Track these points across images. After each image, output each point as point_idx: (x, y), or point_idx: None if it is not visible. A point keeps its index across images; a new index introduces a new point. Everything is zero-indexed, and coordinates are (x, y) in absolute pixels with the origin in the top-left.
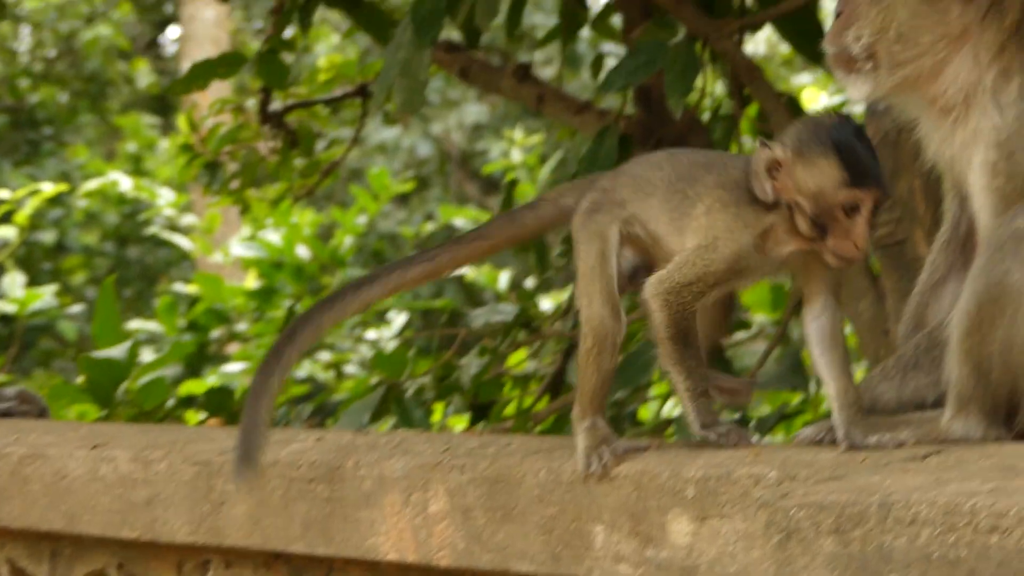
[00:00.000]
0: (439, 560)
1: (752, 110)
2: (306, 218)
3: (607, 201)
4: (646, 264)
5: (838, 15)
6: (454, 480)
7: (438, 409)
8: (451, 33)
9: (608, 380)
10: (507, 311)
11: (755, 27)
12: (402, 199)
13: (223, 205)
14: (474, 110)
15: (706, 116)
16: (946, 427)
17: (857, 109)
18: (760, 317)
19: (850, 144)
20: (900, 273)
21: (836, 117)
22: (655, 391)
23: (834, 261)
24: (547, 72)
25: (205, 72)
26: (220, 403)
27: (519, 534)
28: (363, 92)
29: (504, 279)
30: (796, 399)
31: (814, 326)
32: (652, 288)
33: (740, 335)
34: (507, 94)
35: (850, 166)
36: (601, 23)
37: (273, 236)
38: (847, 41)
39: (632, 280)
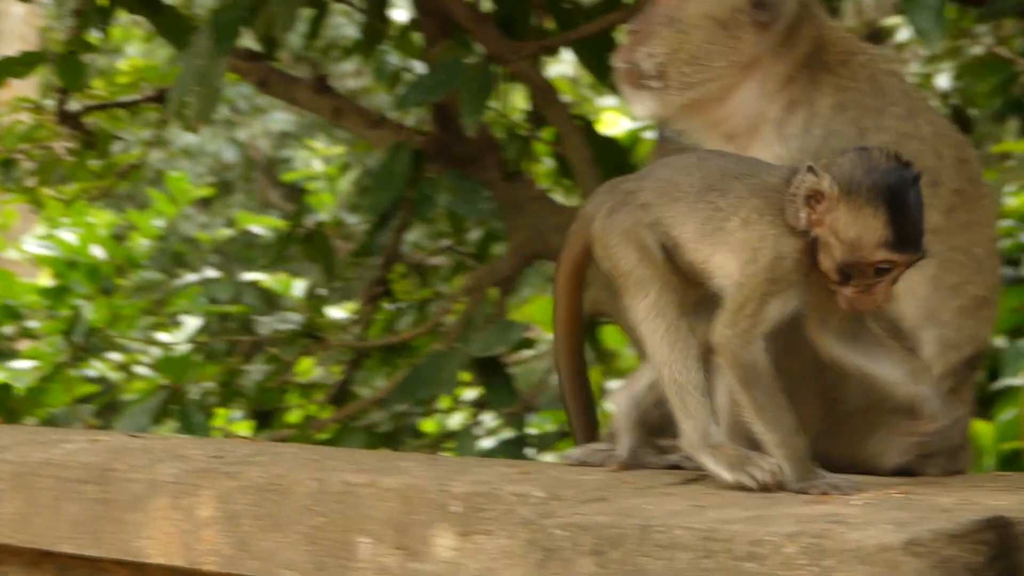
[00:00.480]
0: (206, 565)
1: (548, 132)
2: (103, 218)
3: (630, 203)
4: None
5: (633, 32)
6: (224, 486)
7: (221, 415)
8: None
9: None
10: (294, 319)
11: (553, 49)
12: (206, 203)
13: (17, 203)
14: (281, 118)
15: (502, 135)
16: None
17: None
18: (551, 335)
19: (903, 200)
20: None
21: (896, 162)
22: (442, 403)
23: (846, 307)
24: (357, 84)
25: (1, 70)
26: (1, 400)
27: (285, 543)
28: (161, 98)
29: (300, 287)
30: None
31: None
32: (714, 327)
33: (526, 353)
34: (305, 105)
35: (898, 228)
36: (402, 39)
37: (68, 235)
38: (638, 58)
39: None
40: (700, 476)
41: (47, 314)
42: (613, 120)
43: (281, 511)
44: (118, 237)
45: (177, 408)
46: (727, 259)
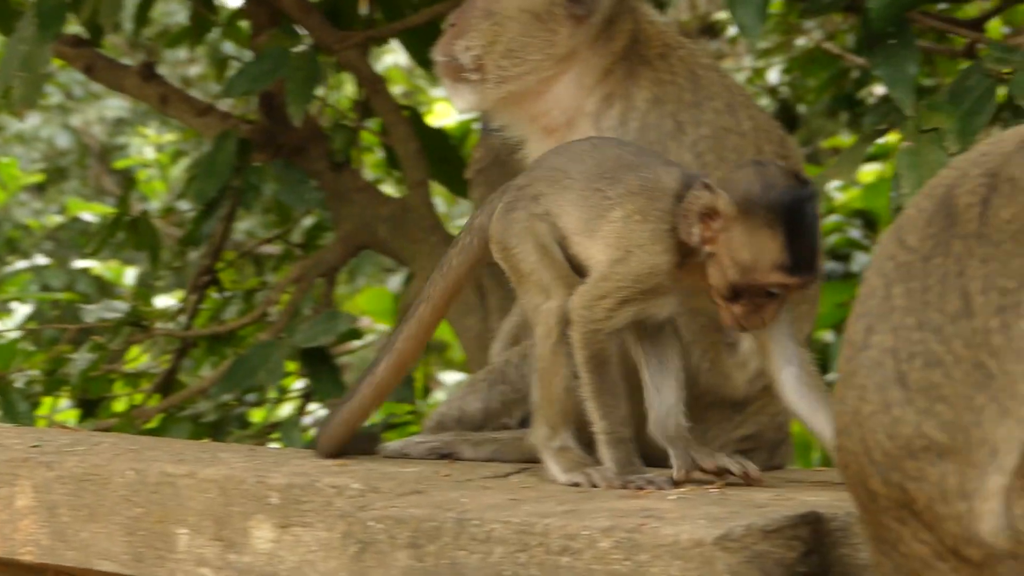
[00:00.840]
0: (23, 556)
1: (376, 122)
2: None
3: (522, 197)
4: None
5: (451, 26)
6: (41, 476)
7: (47, 404)
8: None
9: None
10: (120, 308)
11: (380, 39)
12: (39, 189)
13: None
14: (115, 104)
15: (329, 125)
16: (532, 446)
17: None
18: (382, 326)
19: (801, 222)
20: (504, 292)
21: (794, 180)
22: (270, 394)
23: (730, 324)
24: (195, 71)
25: None
26: None
27: (103, 533)
28: None
29: (131, 275)
30: (405, 409)
31: (785, 375)
32: (572, 300)
33: (355, 343)
34: (132, 93)
35: (795, 251)
36: (230, 27)
37: None
38: (457, 51)
39: None
40: (518, 470)
41: None
42: (446, 110)
43: (99, 501)
44: None
45: (0, 396)
46: (600, 250)
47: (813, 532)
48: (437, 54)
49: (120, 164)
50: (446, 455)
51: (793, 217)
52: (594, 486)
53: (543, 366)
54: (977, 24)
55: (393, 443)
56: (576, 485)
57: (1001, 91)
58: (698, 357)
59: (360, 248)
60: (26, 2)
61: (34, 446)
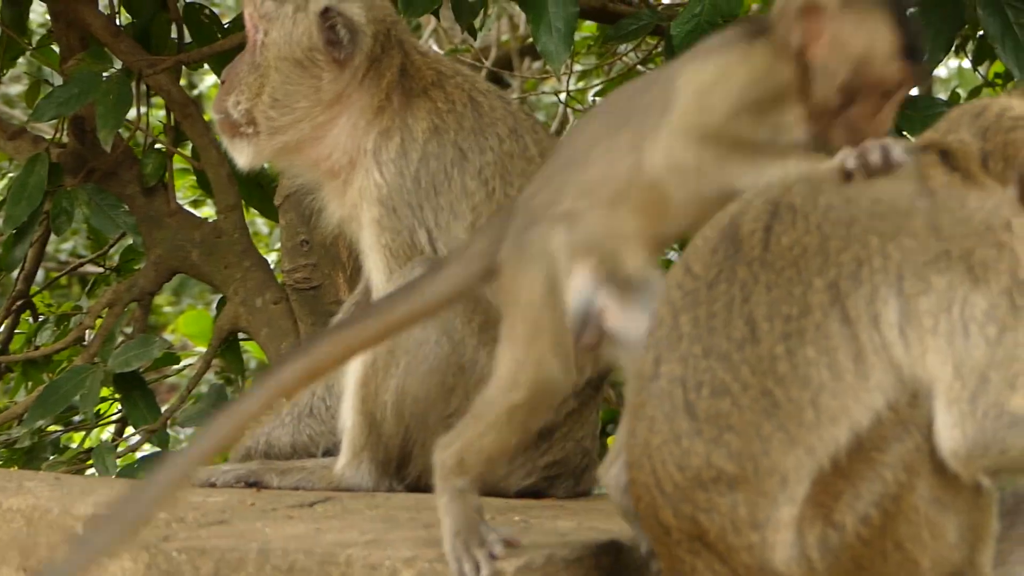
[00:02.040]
0: None
1: (187, 147)
2: None
3: (536, 207)
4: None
5: (223, 82)
6: None
7: None
8: None
9: (522, 445)
10: None
11: (192, 63)
12: None
13: None
14: None
15: (140, 149)
16: (339, 475)
17: None
18: (201, 348)
19: (904, 4)
20: (315, 318)
21: None
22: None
23: (839, 141)
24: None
25: None
26: None
27: None
28: None
29: None
30: None
31: None
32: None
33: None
34: None
35: (908, 33)
36: (41, 50)
37: None
38: (228, 107)
39: (584, 329)
40: (324, 499)
41: None
42: None
43: None
44: None
45: None
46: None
47: (614, 562)
48: (213, 112)
49: None
50: (253, 484)
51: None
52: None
53: (491, 416)
54: None
55: (201, 471)
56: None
57: None
58: None
59: (173, 272)
60: None
61: None
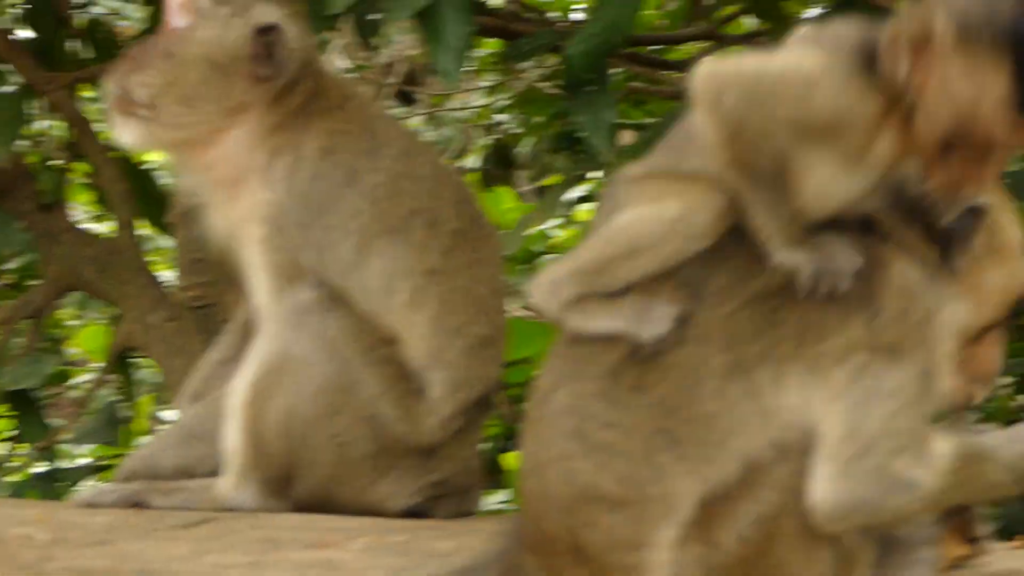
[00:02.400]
0: None
1: (84, 164)
2: None
3: None
4: None
5: (130, 58)
6: None
7: None
8: None
9: None
10: None
11: (91, 80)
12: None
13: None
14: None
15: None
16: (223, 495)
17: None
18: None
19: None
20: (208, 336)
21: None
22: None
23: (939, 190)
24: None
25: None
26: None
27: None
28: None
29: None
30: (113, 452)
31: None
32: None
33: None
34: None
35: None
36: None
37: None
38: (131, 85)
39: None
40: (207, 519)
41: None
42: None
43: None
44: None
45: None
46: None
47: None
48: (111, 83)
49: None
50: (136, 504)
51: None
52: None
53: None
54: (687, 65)
55: (83, 492)
56: None
57: None
58: (389, 406)
59: (68, 289)
60: None
61: None
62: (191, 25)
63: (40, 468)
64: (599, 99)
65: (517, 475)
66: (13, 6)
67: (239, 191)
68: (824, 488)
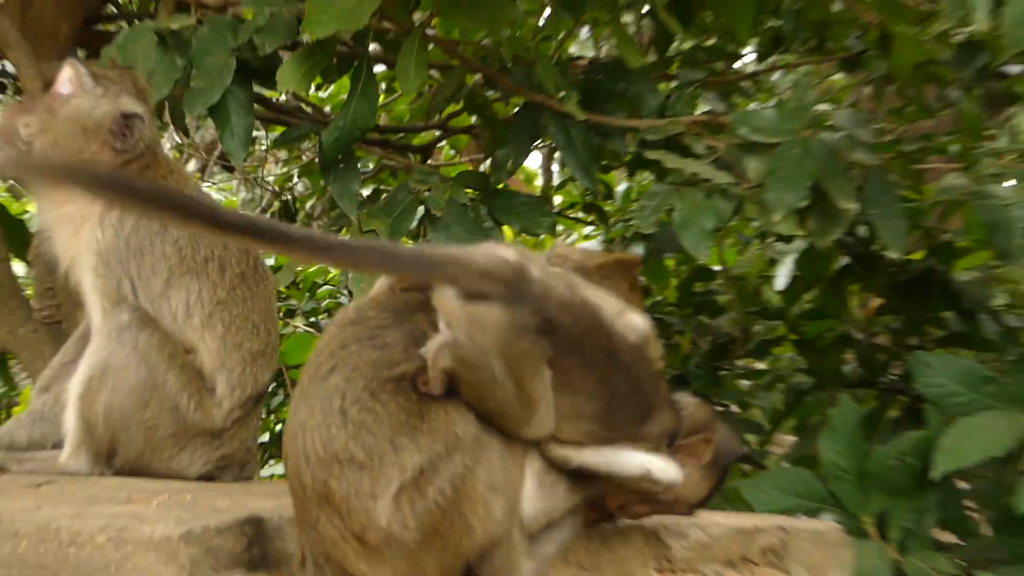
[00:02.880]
0: None
1: None
2: None
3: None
4: None
5: (23, 100)
6: None
7: None
8: None
9: None
10: None
11: None
12: None
13: None
14: None
15: None
16: (63, 463)
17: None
18: None
19: None
20: (56, 347)
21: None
22: None
23: None
24: None
25: None
26: None
27: None
28: None
29: None
30: None
31: None
32: None
33: None
34: None
35: None
36: None
37: None
38: (18, 123)
39: None
40: (48, 481)
41: None
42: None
43: None
44: None
45: None
46: None
47: (256, 530)
48: (3, 112)
49: None
50: (0, 469)
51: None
52: None
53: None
54: (427, 149)
55: None
56: None
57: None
58: (186, 400)
59: None
60: None
61: None
62: (73, 93)
63: None
64: (347, 175)
65: (284, 433)
66: None
67: (80, 229)
68: None
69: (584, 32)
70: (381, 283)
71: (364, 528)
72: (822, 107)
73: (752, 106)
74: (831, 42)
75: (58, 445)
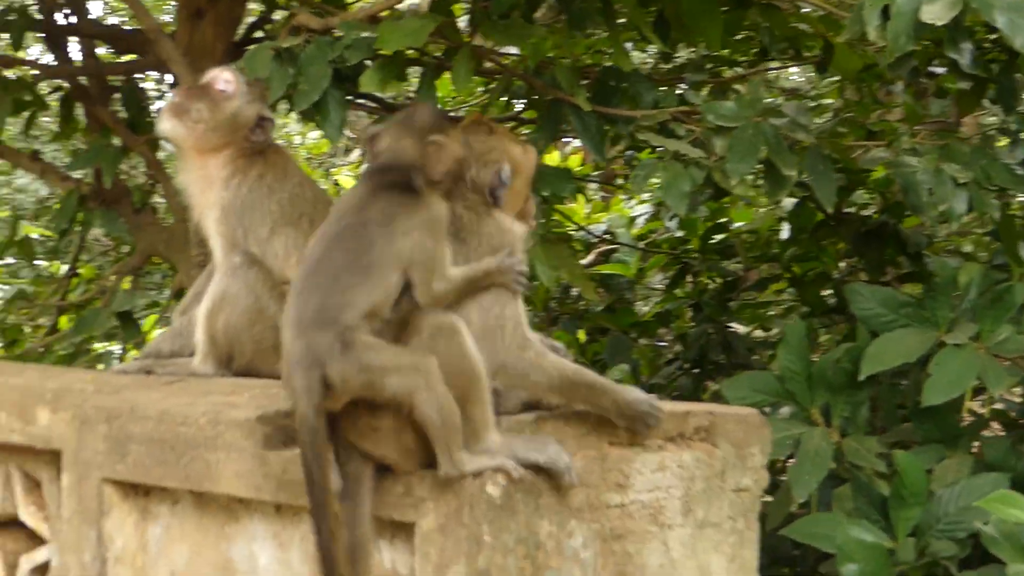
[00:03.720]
0: None
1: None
2: None
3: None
4: None
5: (199, 86)
6: None
7: None
8: None
9: None
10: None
11: (155, 140)
12: None
13: None
14: None
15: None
16: (194, 367)
17: None
18: None
19: None
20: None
21: None
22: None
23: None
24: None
25: None
26: None
27: None
28: None
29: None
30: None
31: None
32: None
33: None
34: (25, 167)
35: None
36: (80, 131)
37: None
38: (190, 105)
39: None
40: (182, 380)
41: None
42: None
43: None
44: None
45: None
46: None
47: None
48: (176, 94)
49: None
50: (148, 372)
51: None
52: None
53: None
54: None
55: (119, 365)
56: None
57: None
58: None
59: (150, 256)
60: None
61: None
62: (232, 94)
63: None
64: None
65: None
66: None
67: (208, 189)
68: None
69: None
70: None
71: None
72: (778, 100)
73: None
74: (804, 50)
75: (191, 354)
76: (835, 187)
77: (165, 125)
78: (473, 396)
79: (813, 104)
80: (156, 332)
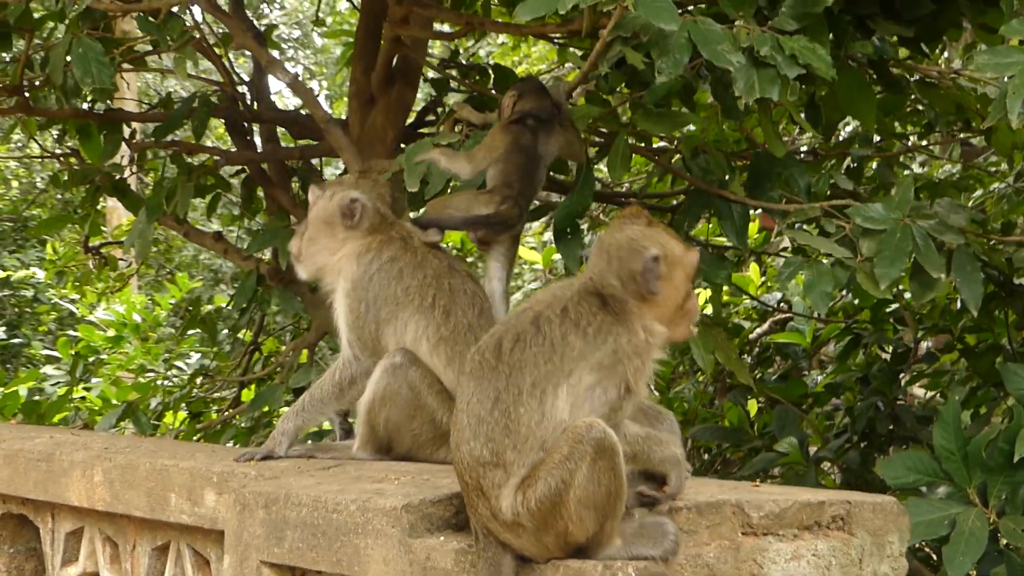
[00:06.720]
0: (98, 504)
1: None
2: (140, 299)
3: None
4: None
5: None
6: (106, 464)
7: (168, 417)
8: None
9: None
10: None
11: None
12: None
13: None
14: None
15: None
16: (354, 452)
17: None
18: None
19: None
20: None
21: None
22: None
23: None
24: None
25: None
26: (32, 407)
27: (135, 495)
28: None
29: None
30: None
31: None
32: None
33: None
34: (209, 247)
35: None
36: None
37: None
38: (292, 245)
39: None
40: (339, 464)
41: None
42: None
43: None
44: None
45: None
46: None
47: (463, 502)
48: (291, 246)
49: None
50: (309, 456)
51: None
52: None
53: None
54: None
55: (244, 451)
56: None
57: None
58: (441, 414)
59: (324, 334)
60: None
61: (105, 448)
62: (313, 203)
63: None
64: (572, 242)
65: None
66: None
67: (340, 276)
68: None
69: None
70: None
71: (496, 512)
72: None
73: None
74: (976, 122)
75: (349, 432)
76: (981, 290)
77: (299, 274)
78: (611, 512)
79: (989, 169)
80: None
